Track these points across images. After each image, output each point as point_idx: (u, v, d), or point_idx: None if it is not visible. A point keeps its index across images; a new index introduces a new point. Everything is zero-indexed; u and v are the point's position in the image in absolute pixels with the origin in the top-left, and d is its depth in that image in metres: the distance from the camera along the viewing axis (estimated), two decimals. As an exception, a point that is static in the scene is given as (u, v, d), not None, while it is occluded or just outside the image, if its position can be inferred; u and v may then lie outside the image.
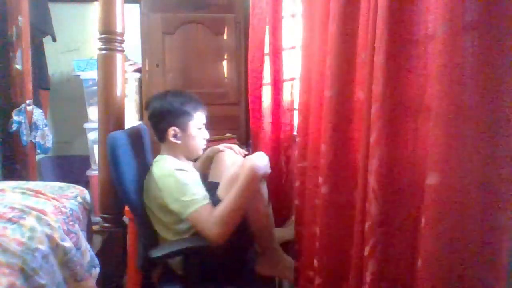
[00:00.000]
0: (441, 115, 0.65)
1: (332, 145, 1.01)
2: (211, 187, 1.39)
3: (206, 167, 1.60)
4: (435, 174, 0.66)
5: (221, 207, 1.23)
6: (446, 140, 0.64)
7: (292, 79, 1.67)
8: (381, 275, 0.80)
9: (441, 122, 0.65)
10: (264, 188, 1.38)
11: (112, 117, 1.57)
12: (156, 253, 1.23)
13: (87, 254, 1.36)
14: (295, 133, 1.68)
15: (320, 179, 1.05)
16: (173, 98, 1.41)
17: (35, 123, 2.09)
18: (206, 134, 1.46)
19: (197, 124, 1.41)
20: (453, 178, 0.64)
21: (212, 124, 2.29)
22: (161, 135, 1.42)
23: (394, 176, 0.78)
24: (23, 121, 2.03)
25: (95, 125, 1.68)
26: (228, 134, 2.14)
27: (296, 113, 1.66)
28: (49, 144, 2.19)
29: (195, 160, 1.58)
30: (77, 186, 1.62)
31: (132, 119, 2.30)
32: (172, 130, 1.38)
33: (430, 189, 0.67)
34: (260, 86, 1.86)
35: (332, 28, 0.99)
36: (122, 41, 1.57)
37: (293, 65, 1.66)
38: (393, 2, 0.75)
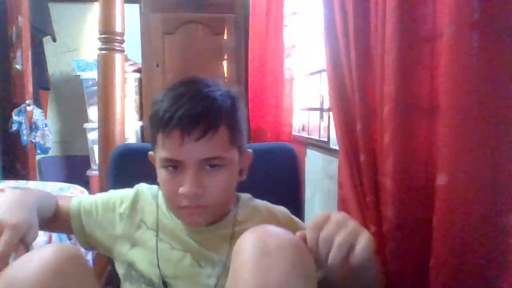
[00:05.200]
0: (448, 114, 0.64)
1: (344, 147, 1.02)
2: None
3: None
4: (444, 174, 0.65)
5: None
6: (453, 140, 0.63)
7: (292, 78, 1.67)
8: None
9: (448, 121, 0.64)
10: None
11: (112, 117, 1.57)
12: None
13: (85, 256, 1.36)
14: (294, 133, 1.68)
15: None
16: (156, 98, 0.74)
17: (35, 123, 2.09)
18: (179, 183, 0.70)
19: (161, 156, 0.71)
20: (461, 178, 0.63)
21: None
22: None
23: (409, 177, 0.77)
24: (23, 121, 2.03)
25: (95, 125, 1.68)
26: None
27: (294, 113, 1.66)
28: (49, 144, 2.19)
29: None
30: (77, 187, 1.62)
31: (131, 119, 2.31)
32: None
33: (440, 190, 0.66)
34: (261, 86, 1.86)
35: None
36: (122, 41, 1.57)
37: (293, 64, 1.66)
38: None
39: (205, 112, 0.69)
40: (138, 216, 0.81)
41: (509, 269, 0.61)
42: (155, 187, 0.85)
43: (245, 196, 0.87)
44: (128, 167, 1.00)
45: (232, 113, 0.74)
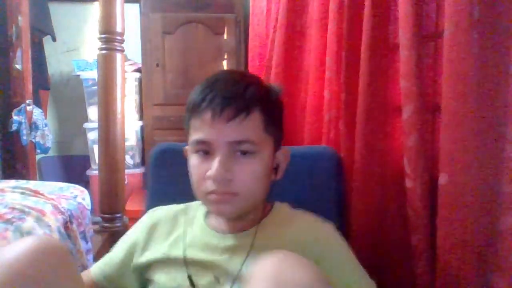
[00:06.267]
0: (447, 113, 0.64)
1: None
2: None
3: None
4: (444, 174, 0.65)
5: None
6: (453, 140, 0.63)
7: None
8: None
9: (447, 120, 0.64)
10: None
11: (112, 117, 1.57)
12: None
13: (83, 255, 1.36)
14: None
15: None
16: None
17: (35, 123, 2.09)
18: (208, 167, 0.67)
19: (192, 139, 0.70)
20: (460, 178, 0.62)
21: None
22: None
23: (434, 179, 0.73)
24: (23, 121, 2.03)
25: (95, 125, 1.68)
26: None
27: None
28: (48, 144, 2.19)
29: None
30: (77, 186, 1.62)
31: (131, 119, 2.30)
32: (184, 150, 0.78)
33: (441, 190, 0.66)
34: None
35: (331, 29, 0.99)
36: (122, 41, 1.57)
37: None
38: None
39: (238, 94, 0.67)
40: (152, 242, 0.78)
41: (505, 270, 0.60)
42: (175, 206, 0.84)
43: (282, 204, 0.79)
44: (168, 165, 1.00)
45: (268, 100, 0.71)
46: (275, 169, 0.75)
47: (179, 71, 2.22)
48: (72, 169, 2.66)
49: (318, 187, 0.93)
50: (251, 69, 1.93)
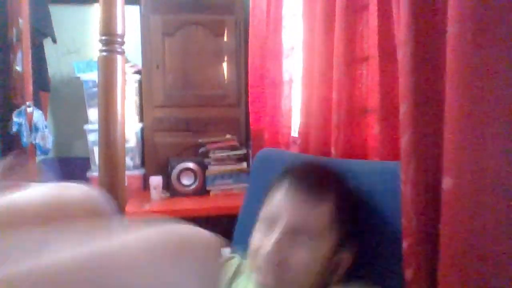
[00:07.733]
0: (451, 110, 0.61)
1: (337, 144, 1.03)
2: None
3: None
4: (448, 178, 0.62)
5: None
6: (458, 141, 0.60)
7: (291, 80, 1.67)
8: None
9: (451, 118, 0.61)
10: None
11: (112, 118, 1.58)
12: None
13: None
14: (293, 135, 1.68)
15: None
16: None
17: (35, 124, 2.10)
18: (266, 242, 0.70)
19: (263, 210, 0.77)
20: (467, 181, 0.59)
21: (211, 126, 2.31)
22: None
23: (429, 183, 0.70)
24: (23, 122, 2.04)
25: (96, 126, 1.68)
26: (228, 136, 2.15)
27: (293, 115, 1.66)
28: (49, 145, 2.19)
29: None
30: (77, 188, 1.62)
31: (131, 121, 2.31)
32: None
33: (445, 195, 0.63)
34: (260, 87, 1.86)
35: (338, 30, 0.99)
36: (122, 43, 1.57)
37: (292, 66, 1.66)
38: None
39: (317, 181, 0.73)
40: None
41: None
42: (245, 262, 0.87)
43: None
44: (269, 170, 0.99)
45: (343, 195, 0.75)
46: (334, 270, 0.73)
47: (179, 72, 2.22)
48: (72, 170, 2.66)
49: (376, 215, 0.80)
50: (251, 71, 1.94)
